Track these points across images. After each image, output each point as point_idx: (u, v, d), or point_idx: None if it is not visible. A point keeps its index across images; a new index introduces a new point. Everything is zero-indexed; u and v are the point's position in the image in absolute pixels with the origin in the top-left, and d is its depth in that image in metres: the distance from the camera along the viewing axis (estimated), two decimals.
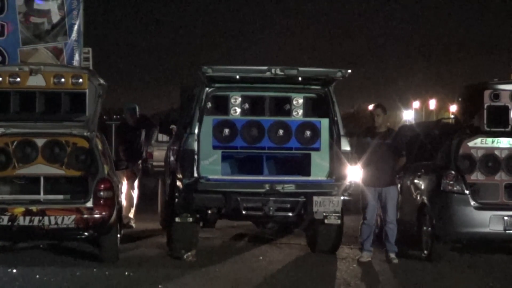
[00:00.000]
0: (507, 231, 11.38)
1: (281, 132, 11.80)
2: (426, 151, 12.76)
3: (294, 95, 11.97)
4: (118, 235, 11.53)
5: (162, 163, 15.35)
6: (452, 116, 21.59)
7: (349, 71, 11.48)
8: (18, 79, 11.14)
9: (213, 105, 11.98)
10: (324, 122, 11.85)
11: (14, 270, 10.56)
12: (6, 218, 10.65)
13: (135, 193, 15.13)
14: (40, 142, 11.41)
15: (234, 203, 11.31)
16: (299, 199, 11.41)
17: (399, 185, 12.36)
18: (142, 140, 15.32)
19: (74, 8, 15.16)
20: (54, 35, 15.14)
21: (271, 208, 11.32)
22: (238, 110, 11.90)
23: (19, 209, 10.71)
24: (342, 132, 11.76)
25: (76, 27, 15.16)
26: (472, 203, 11.45)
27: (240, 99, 11.90)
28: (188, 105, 12.54)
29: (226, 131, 11.75)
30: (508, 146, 11.86)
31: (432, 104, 71.41)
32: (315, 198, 11.30)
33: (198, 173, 11.48)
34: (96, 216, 10.83)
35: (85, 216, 10.80)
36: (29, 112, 11.29)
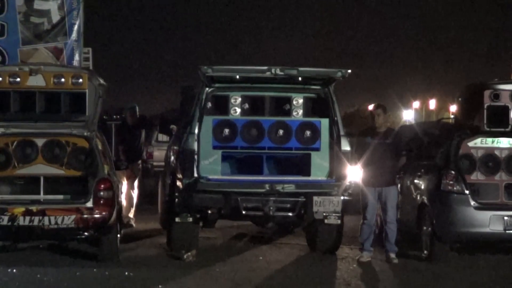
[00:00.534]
0: (507, 231, 11.38)
1: (281, 132, 11.81)
2: (426, 151, 12.76)
3: (294, 95, 11.98)
4: (118, 235, 11.53)
5: (162, 163, 15.35)
6: (452, 116, 21.61)
7: (349, 71, 11.48)
8: (18, 79, 11.14)
9: (213, 105, 11.98)
10: (324, 122, 11.85)
11: (14, 270, 10.56)
12: (6, 218, 10.64)
13: (135, 193, 15.13)
14: (40, 142, 11.42)
15: (234, 203, 11.31)
16: (299, 199, 11.41)
17: (399, 185, 12.36)
18: (142, 140, 15.32)
19: (74, 8, 15.17)
20: (54, 35, 15.15)
21: (271, 208, 11.32)
22: (238, 110, 11.90)
23: (19, 209, 10.71)
24: (342, 132, 11.76)
25: (76, 27, 15.17)
26: (472, 203, 11.44)
27: (240, 99, 11.90)
28: (188, 105, 12.54)
29: (226, 131, 11.76)
30: (508, 146, 11.86)
31: (432, 104, 71.38)
32: (315, 198, 11.30)
33: (198, 173, 11.49)
34: (96, 216, 10.83)
35: (85, 216, 10.79)
36: (29, 112, 11.29)
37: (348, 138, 11.83)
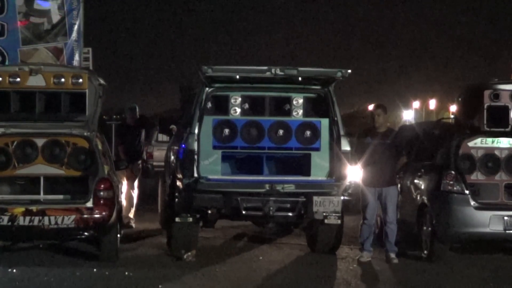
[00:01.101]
0: (507, 231, 11.37)
1: (281, 132, 11.80)
2: (426, 151, 12.75)
3: (294, 95, 11.97)
4: (118, 235, 11.53)
5: (162, 163, 15.35)
6: (452, 116, 21.59)
7: (349, 71, 11.48)
8: (18, 79, 11.15)
9: (213, 105, 11.98)
10: (324, 122, 11.85)
11: (14, 270, 10.56)
12: (6, 218, 10.64)
13: (135, 193, 15.13)
14: (40, 142, 11.41)
15: (234, 203, 11.31)
16: (299, 199, 11.41)
17: (399, 185, 12.36)
18: (142, 140, 15.32)
19: (74, 8, 15.17)
20: (54, 35, 15.15)
21: (271, 208, 11.31)
22: (238, 110, 11.90)
23: (19, 209, 10.71)
24: (342, 132, 11.75)
25: (76, 27, 15.17)
26: (472, 203, 11.44)
27: (240, 99, 11.90)
28: (188, 105, 12.54)
29: (226, 131, 11.76)
30: (508, 146, 11.86)
31: (432, 104, 71.44)
32: (315, 198, 11.30)
33: (198, 173, 11.48)
34: (96, 216, 10.83)
35: (85, 216, 10.79)
36: (29, 112, 11.29)
37: (348, 138, 11.83)
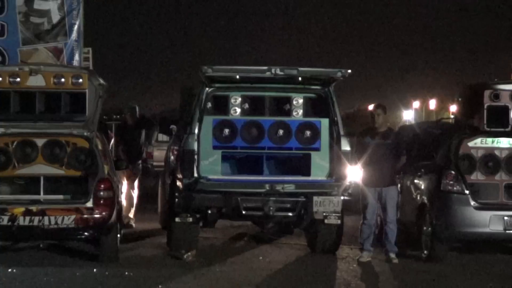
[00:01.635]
0: (507, 231, 11.38)
1: (281, 132, 11.80)
2: (426, 151, 12.75)
3: (294, 95, 11.97)
4: (118, 235, 11.53)
5: (162, 163, 15.35)
6: (452, 116, 21.61)
7: (349, 71, 11.47)
8: (18, 79, 11.14)
9: (213, 105, 11.98)
10: (324, 122, 11.85)
11: (14, 270, 10.56)
12: (6, 218, 10.65)
13: (135, 193, 15.14)
14: (40, 142, 11.41)
15: (234, 203, 11.31)
16: (299, 199, 11.41)
17: (399, 185, 12.36)
18: (142, 140, 15.32)
19: (74, 8, 15.19)
20: (54, 35, 15.17)
21: (271, 208, 11.32)
22: (238, 110, 11.89)
23: (19, 209, 10.71)
24: (342, 132, 11.75)
25: (76, 27, 15.19)
26: (472, 203, 11.44)
27: (240, 99, 11.90)
28: (188, 105, 12.54)
29: (226, 131, 11.76)
30: (508, 146, 11.86)
31: (432, 104, 71.41)
32: (315, 198, 11.30)
33: (198, 173, 11.48)
34: (96, 216, 10.83)
35: (85, 216, 10.79)
36: (29, 112, 11.29)
37: (348, 138, 11.82)
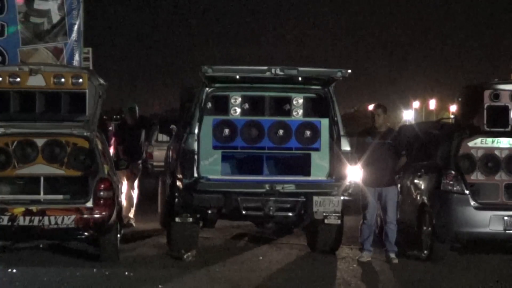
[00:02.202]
0: (507, 231, 11.38)
1: (281, 132, 11.80)
2: (426, 151, 12.75)
3: (294, 95, 11.97)
4: (118, 235, 11.53)
5: (162, 163, 15.34)
6: (452, 116, 21.59)
7: (349, 71, 11.47)
8: (18, 79, 11.13)
9: (213, 105, 11.98)
10: (324, 122, 11.85)
11: (14, 270, 10.56)
12: (6, 218, 10.64)
13: (135, 193, 15.14)
14: (40, 142, 11.41)
15: (234, 203, 11.31)
16: (299, 199, 11.41)
17: (399, 185, 12.36)
18: (142, 140, 15.32)
19: (74, 8, 15.18)
20: (54, 35, 15.16)
21: (271, 208, 11.31)
22: (238, 110, 11.89)
23: (19, 209, 10.71)
24: (342, 132, 11.75)
25: (76, 27, 15.19)
26: (472, 203, 11.45)
27: (240, 99, 11.89)
28: (188, 105, 12.53)
29: (226, 131, 11.76)
30: (508, 146, 11.86)
31: (432, 104, 71.47)
32: (315, 198, 11.30)
33: (198, 173, 11.48)
34: (96, 216, 10.83)
35: (85, 216, 10.79)
36: (29, 112, 11.28)
37: (348, 138, 11.82)
